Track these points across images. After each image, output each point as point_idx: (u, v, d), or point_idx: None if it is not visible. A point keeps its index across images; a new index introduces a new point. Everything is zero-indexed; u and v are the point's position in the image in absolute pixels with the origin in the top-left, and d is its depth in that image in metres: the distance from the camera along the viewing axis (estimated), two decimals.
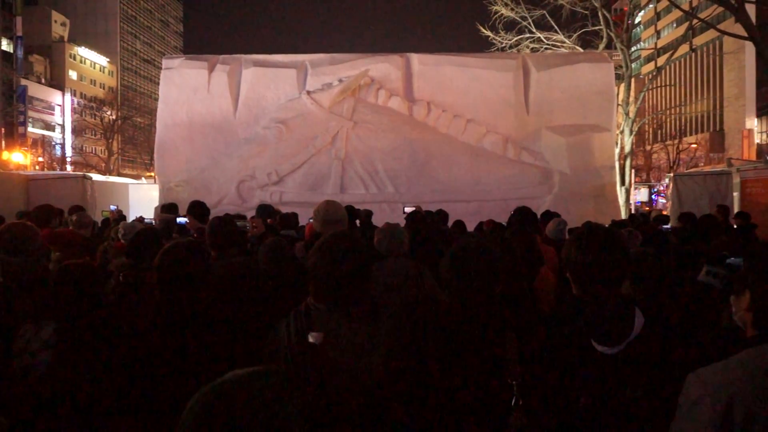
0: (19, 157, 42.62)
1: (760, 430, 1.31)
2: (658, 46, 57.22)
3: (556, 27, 19.13)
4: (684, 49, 44.33)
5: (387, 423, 1.83)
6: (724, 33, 15.34)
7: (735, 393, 1.34)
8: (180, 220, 5.07)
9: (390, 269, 3.42)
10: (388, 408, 1.83)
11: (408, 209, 7.39)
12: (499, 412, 1.84)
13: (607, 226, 3.60)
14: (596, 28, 18.60)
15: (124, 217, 9.36)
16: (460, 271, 2.06)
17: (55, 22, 72.28)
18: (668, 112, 45.65)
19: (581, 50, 18.02)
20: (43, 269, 3.12)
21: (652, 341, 1.69)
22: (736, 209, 11.45)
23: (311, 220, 4.30)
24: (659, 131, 46.95)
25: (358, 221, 6.98)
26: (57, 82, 67.72)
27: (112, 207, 10.66)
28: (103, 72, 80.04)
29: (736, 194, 11.92)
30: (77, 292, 2.26)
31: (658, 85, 41.61)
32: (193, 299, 2.24)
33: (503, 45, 19.44)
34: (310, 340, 1.83)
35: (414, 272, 3.47)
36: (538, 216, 5.93)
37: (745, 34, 12.42)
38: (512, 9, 19.02)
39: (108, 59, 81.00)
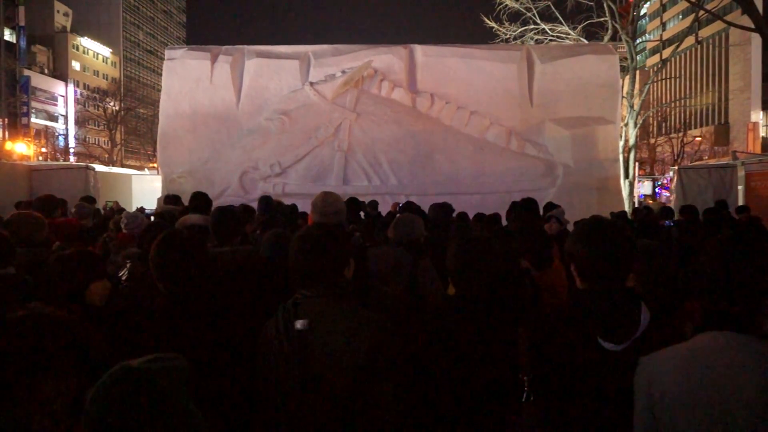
0: (22, 148, 42.71)
1: (667, 405, 1.43)
2: (664, 38, 56.83)
3: (560, 18, 19.00)
4: (689, 41, 43.97)
5: (374, 408, 1.83)
6: (730, 24, 15.19)
7: (656, 376, 1.47)
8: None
9: (376, 257, 3.38)
10: (374, 392, 1.83)
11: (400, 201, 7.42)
12: (510, 407, 1.83)
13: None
14: (601, 19, 18.46)
15: (123, 210, 9.36)
16: (465, 263, 2.05)
17: (58, 12, 72.12)
18: (673, 104, 45.23)
19: (586, 42, 17.88)
20: (46, 259, 3.11)
21: (657, 338, 1.68)
22: (740, 202, 11.41)
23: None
24: (664, 124, 46.75)
25: (362, 213, 6.98)
26: (60, 72, 67.72)
27: (108, 203, 10.73)
28: (106, 63, 79.96)
29: (740, 187, 11.88)
30: (73, 278, 2.24)
31: (663, 77, 41.30)
32: (192, 289, 2.23)
33: (507, 36, 19.30)
34: (297, 326, 1.89)
35: (406, 261, 3.43)
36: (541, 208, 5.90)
37: (752, 26, 12.30)
38: (517, 0, 18.88)
39: (111, 50, 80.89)
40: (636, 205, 15.22)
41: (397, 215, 3.95)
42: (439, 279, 3.37)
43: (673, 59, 44.80)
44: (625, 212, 9.44)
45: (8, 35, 54.46)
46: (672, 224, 6.82)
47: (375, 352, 1.84)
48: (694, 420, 1.39)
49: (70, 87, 65.78)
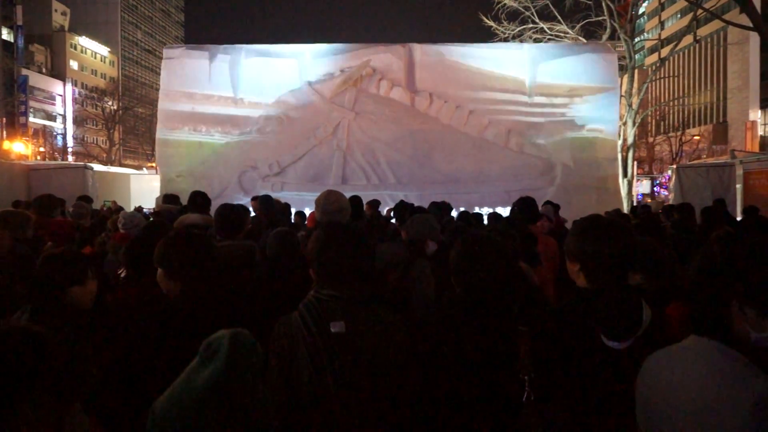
0: (20, 147, 42.64)
1: (642, 405, 1.46)
2: (662, 37, 56.86)
3: (559, 17, 18.99)
4: (688, 40, 44.06)
5: (403, 412, 1.85)
6: (729, 23, 15.20)
7: (644, 375, 1.49)
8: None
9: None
10: (403, 395, 1.85)
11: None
12: (510, 407, 1.83)
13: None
14: (600, 18, 18.46)
15: (121, 209, 9.36)
16: (470, 262, 2.03)
17: (56, 11, 71.97)
18: (671, 103, 45.32)
19: (584, 41, 17.88)
20: (29, 257, 3.06)
21: (658, 335, 1.68)
22: (738, 201, 11.43)
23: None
24: (662, 123, 46.76)
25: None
26: (58, 72, 67.60)
27: (106, 202, 10.73)
28: (104, 62, 79.80)
29: (738, 186, 11.88)
30: (55, 277, 2.21)
31: (662, 76, 41.41)
32: (198, 287, 2.23)
33: (506, 35, 19.30)
34: (333, 329, 1.81)
35: (398, 261, 3.43)
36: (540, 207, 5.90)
37: (751, 25, 12.31)
38: None
39: (109, 49, 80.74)
40: (634, 204, 15.24)
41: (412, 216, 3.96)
42: (432, 279, 3.35)
43: (671, 58, 44.94)
44: (619, 210, 9.47)
45: (6, 34, 54.33)
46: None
47: (406, 356, 1.87)
48: (652, 421, 1.42)
49: (68, 86, 65.66)
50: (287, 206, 6.88)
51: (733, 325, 1.35)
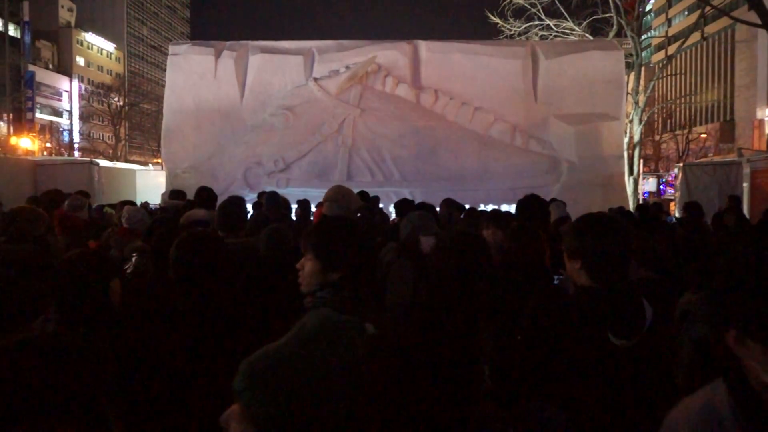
0: (27, 143, 42.79)
1: None
2: (669, 34, 56.45)
3: (565, 14, 18.89)
4: (695, 37, 43.82)
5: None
6: (737, 20, 15.12)
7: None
8: None
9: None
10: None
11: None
12: (468, 397, 1.82)
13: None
14: (606, 15, 18.36)
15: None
16: (441, 253, 2.03)
17: (62, 7, 72.20)
18: (678, 101, 45.12)
19: (591, 38, 17.80)
20: (45, 256, 3.02)
21: (662, 331, 1.68)
22: (745, 200, 11.36)
23: (317, 206, 4.28)
24: (669, 121, 46.48)
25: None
26: (64, 68, 67.86)
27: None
28: (111, 58, 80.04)
29: (745, 185, 11.80)
30: (84, 281, 2.10)
31: (669, 73, 41.19)
32: (210, 289, 2.23)
33: (512, 32, 19.23)
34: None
35: (386, 261, 3.43)
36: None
37: (759, 22, 12.21)
38: None
39: (115, 45, 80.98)
40: (640, 202, 15.18)
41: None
42: (410, 282, 3.33)
43: (678, 56, 44.66)
44: (623, 207, 9.43)
45: (13, 31, 54.57)
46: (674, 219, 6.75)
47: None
48: None
49: (75, 82, 65.93)
50: (286, 201, 6.82)
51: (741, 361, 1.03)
